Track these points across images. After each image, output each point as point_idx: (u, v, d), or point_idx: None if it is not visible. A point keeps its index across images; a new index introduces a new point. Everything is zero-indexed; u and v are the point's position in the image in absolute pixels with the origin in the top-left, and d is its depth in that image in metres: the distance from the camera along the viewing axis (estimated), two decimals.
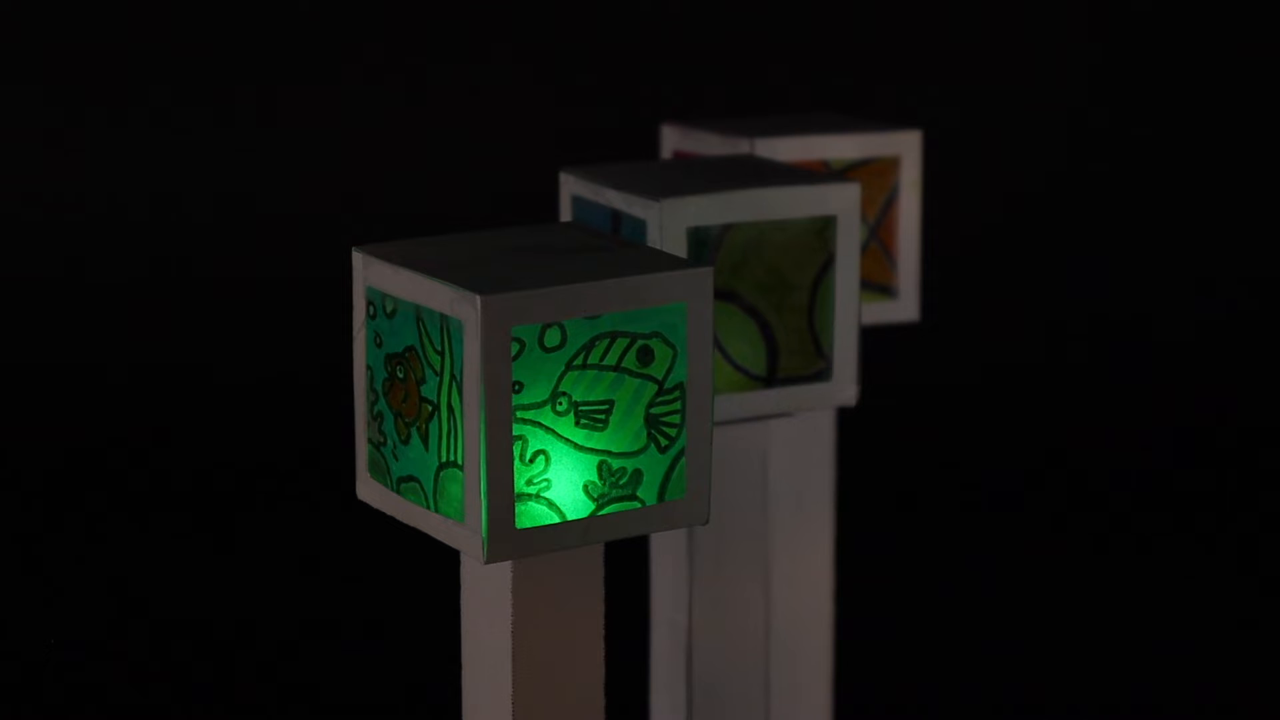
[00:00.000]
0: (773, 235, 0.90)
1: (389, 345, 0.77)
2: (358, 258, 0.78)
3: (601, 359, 0.76)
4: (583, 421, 0.76)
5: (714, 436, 0.90)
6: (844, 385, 0.93)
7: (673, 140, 1.07)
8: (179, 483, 1.59)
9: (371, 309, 0.78)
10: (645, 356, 0.76)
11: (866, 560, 1.36)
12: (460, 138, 1.81)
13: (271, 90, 1.81)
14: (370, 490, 0.80)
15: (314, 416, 1.64)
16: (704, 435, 0.78)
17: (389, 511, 0.79)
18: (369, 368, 0.79)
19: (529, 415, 0.75)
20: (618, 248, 0.79)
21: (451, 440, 0.75)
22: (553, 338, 0.74)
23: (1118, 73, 1.83)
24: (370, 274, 0.78)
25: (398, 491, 0.78)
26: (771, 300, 0.91)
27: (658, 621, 1.01)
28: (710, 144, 1.04)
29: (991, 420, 1.70)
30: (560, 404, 0.75)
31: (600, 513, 0.77)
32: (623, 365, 0.76)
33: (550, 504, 0.76)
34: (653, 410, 0.77)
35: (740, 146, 1.02)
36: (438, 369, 0.75)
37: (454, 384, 0.74)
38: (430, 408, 0.76)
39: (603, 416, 0.76)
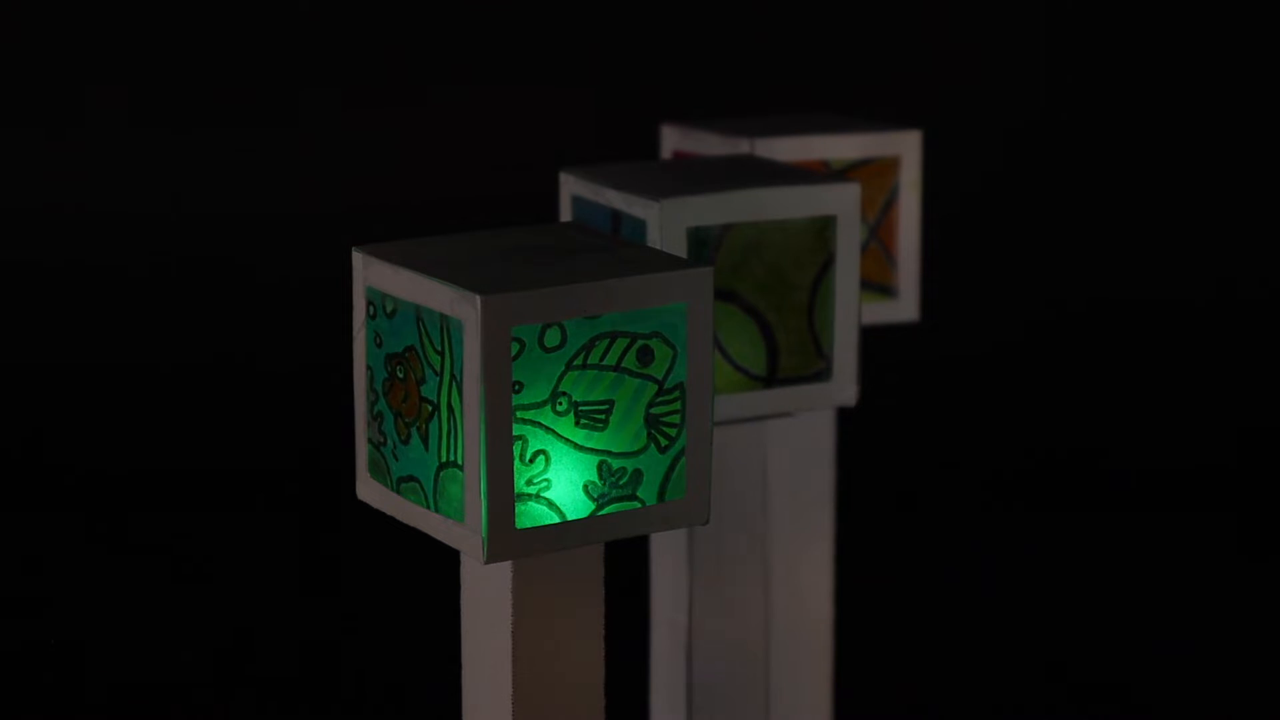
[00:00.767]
0: (773, 235, 0.90)
1: (389, 345, 0.77)
2: (358, 258, 0.78)
3: (601, 359, 0.76)
4: (583, 421, 0.76)
5: (714, 436, 0.90)
6: (844, 385, 0.93)
7: (673, 140, 1.07)
8: (178, 482, 1.59)
9: (371, 309, 0.78)
10: (645, 356, 0.76)
11: (866, 560, 1.36)
12: (460, 138, 1.81)
13: (272, 90, 1.81)
14: (370, 490, 0.80)
15: (314, 416, 1.64)
16: (704, 435, 0.78)
17: (389, 511, 0.79)
18: (369, 368, 0.79)
19: (529, 415, 0.75)
20: (618, 248, 0.79)
21: (451, 440, 0.75)
22: (553, 338, 0.74)
23: (1105, 68, 1.83)
24: (370, 274, 0.78)
25: (398, 491, 0.78)
26: (771, 300, 0.91)
27: (658, 621, 1.01)
28: (710, 144, 1.04)
29: (992, 420, 1.70)
30: (560, 404, 0.75)
31: (600, 513, 0.77)
32: (623, 365, 0.76)
33: (550, 504, 0.76)
34: (653, 410, 0.77)
35: (740, 146, 1.02)
36: (438, 369, 0.75)
37: (454, 384, 0.74)
38: (430, 408, 0.76)
39: (603, 416, 0.76)
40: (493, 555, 0.75)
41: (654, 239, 0.88)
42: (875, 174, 1.04)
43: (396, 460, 0.78)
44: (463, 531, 0.75)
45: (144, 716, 1.24)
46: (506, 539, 0.75)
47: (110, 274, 1.77)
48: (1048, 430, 1.68)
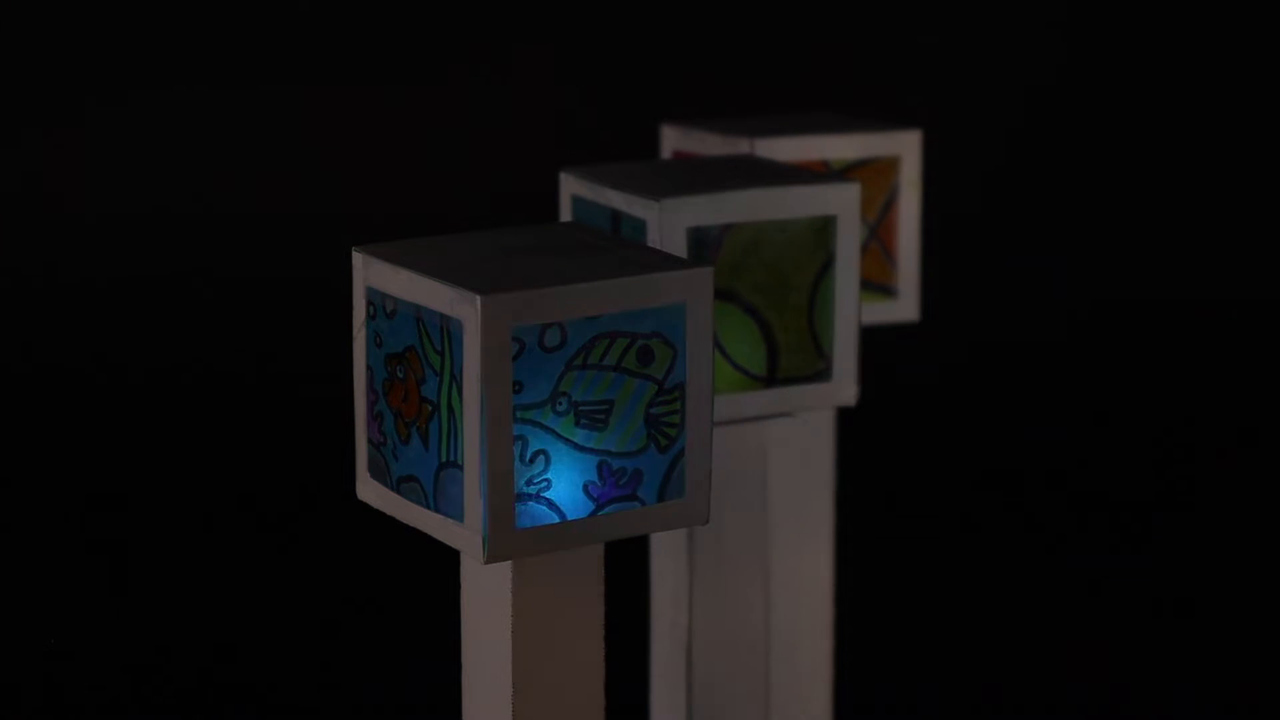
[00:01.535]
0: (772, 235, 0.90)
1: (389, 345, 0.77)
2: (358, 258, 0.78)
3: (601, 359, 0.76)
4: (583, 421, 0.76)
5: (714, 436, 0.90)
6: (844, 385, 0.93)
7: (673, 140, 1.07)
8: (178, 483, 1.59)
9: (371, 309, 0.78)
10: (645, 356, 0.76)
11: (866, 560, 1.36)
12: (460, 138, 1.81)
13: (272, 90, 1.81)
14: (370, 490, 0.80)
15: (314, 416, 1.64)
16: (704, 435, 0.78)
17: (389, 511, 0.79)
18: (369, 368, 0.79)
19: (529, 415, 0.75)
20: (618, 248, 0.79)
21: (451, 440, 0.75)
22: (553, 338, 0.74)
23: (1105, 68, 1.83)
24: (370, 274, 0.78)
25: (398, 491, 0.78)
26: (771, 300, 0.91)
27: (658, 621, 1.01)
28: (710, 144, 1.04)
29: (992, 420, 1.70)
30: (560, 404, 0.75)
31: (600, 513, 0.77)
32: (623, 365, 0.76)
33: (550, 504, 0.76)
34: (653, 410, 0.77)
35: (740, 146, 1.02)
36: (438, 369, 0.75)
37: (454, 384, 0.74)
38: (430, 408, 0.76)
39: (603, 416, 0.76)
40: (493, 555, 0.75)
41: (654, 239, 0.88)
42: (875, 174, 1.04)
43: (396, 460, 0.78)
44: (463, 531, 0.75)
45: (143, 716, 1.24)
46: (506, 539, 0.75)
47: (109, 275, 1.77)
48: (1047, 430, 1.68)
